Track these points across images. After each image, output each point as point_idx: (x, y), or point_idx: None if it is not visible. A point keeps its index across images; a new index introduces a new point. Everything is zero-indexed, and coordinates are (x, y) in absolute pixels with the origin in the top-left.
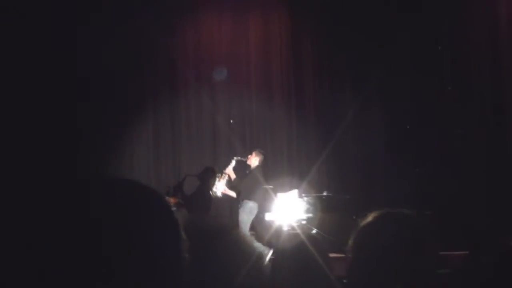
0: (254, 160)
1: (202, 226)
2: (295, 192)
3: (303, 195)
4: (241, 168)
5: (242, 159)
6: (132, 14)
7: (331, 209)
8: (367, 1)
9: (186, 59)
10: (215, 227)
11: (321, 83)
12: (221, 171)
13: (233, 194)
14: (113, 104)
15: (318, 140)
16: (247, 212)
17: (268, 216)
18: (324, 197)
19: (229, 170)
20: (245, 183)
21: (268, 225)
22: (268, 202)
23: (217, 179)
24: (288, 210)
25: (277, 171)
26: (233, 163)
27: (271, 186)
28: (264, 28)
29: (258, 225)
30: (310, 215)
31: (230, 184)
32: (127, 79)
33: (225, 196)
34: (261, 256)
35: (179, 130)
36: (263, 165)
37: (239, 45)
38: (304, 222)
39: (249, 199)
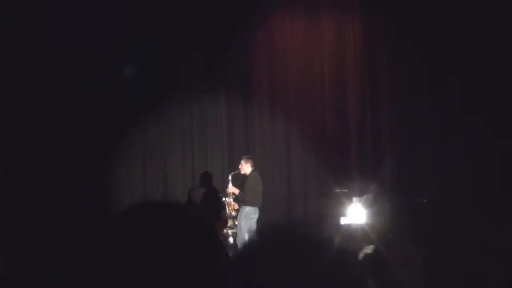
0: (246, 167)
1: (277, 225)
2: (369, 196)
3: (377, 199)
4: (238, 179)
5: (235, 172)
6: (203, 21)
7: (407, 213)
8: (443, 5)
9: (259, 67)
10: (289, 225)
11: (396, 87)
12: (224, 193)
13: None
14: (187, 113)
15: (392, 145)
16: (243, 217)
17: (343, 220)
18: (399, 201)
19: (231, 188)
20: (244, 189)
21: (343, 229)
22: (342, 206)
23: (225, 202)
24: (363, 214)
25: (352, 176)
26: (230, 179)
27: (345, 190)
28: (337, 33)
29: (332, 229)
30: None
31: (237, 199)
32: (203, 90)
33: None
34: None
35: (253, 138)
36: (256, 167)
37: (312, 51)
38: (378, 226)
39: (251, 203)
